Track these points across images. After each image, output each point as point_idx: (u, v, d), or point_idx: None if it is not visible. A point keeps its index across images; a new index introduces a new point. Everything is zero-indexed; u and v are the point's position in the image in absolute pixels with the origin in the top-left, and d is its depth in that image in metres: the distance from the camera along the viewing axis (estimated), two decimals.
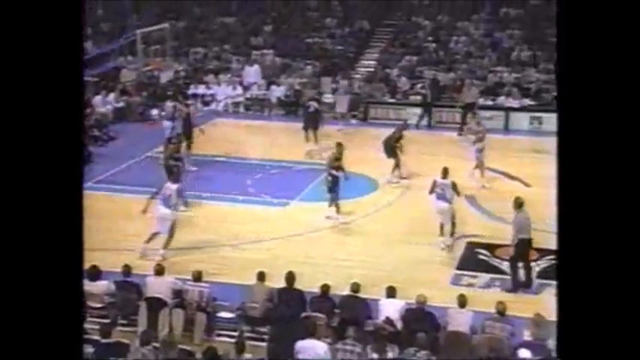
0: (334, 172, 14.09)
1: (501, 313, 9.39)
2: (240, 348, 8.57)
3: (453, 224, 13.10)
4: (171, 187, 12.64)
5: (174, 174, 13.79)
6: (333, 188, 14.09)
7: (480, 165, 16.20)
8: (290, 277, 10.11)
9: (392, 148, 16.53)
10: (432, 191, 13.14)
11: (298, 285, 10.15)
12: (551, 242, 11.50)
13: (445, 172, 13.18)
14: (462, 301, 9.55)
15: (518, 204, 11.81)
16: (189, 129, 17.42)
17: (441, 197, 13.04)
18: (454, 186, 13.00)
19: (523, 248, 11.58)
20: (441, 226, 13.13)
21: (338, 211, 14.22)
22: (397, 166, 16.55)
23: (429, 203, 14.97)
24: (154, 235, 12.50)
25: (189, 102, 19.63)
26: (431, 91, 21.87)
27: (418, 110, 22.01)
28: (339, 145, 14.67)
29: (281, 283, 10.27)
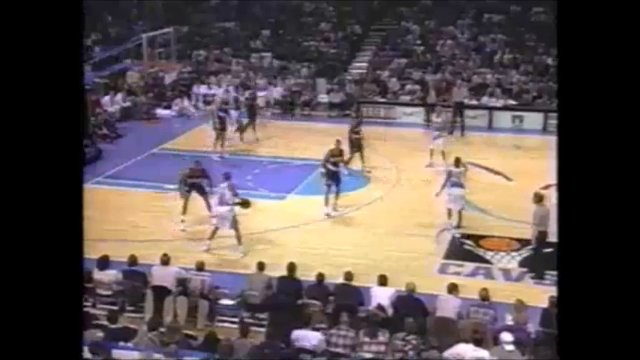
0: (330, 166, 14.04)
1: (484, 299, 9.40)
2: (243, 332, 8.57)
3: (463, 207, 13.34)
4: (222, 184, 12.39)
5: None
6: (329, 182, 14.01)
7: (441, 153, 16.51)
8: (291, 267, 10.09)
9: (352, 139, 16.40)
10: (448, 179, 13.28)
11: (295, 274, 10.14)
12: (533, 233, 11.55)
13: (458, 161, 13.42)
14: (451, 289, 9.53)
15: (538, 198, 11.44)
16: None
17: (456, 184, 13.20)
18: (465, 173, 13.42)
19: (541, 240, 11.27)
20: (449, 211, 13.24)
21: (335, 207, 14.17)
22: (360, 157, 16.52)
23: (417, 197, 15.03)
24: (215, 230, 12.33)
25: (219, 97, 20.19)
26: (436, 92, 21.81)
27: (408, 109, 22.02)
28: (338, 142, 14.60)
29: (279, 272, 10.26)
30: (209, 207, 13.24)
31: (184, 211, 13.44)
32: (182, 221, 13.43)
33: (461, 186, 13.26)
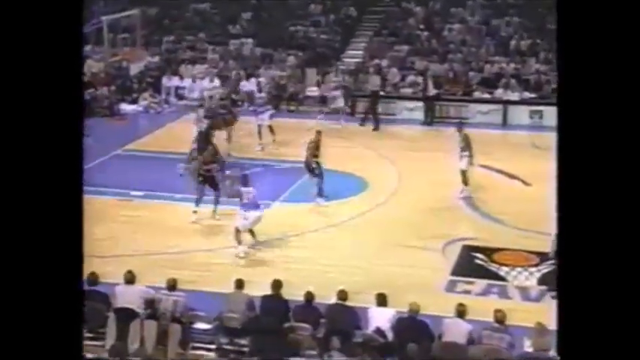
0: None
1: (500, 321, 9.43)
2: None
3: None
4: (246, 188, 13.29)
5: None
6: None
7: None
8: (277, 285, 10.09)
9: (206, 136, 16.73)
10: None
11: (281, 293, 10.16)
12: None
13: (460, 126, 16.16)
14: (461, 311, 9.52)
15: None
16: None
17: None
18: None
19: None
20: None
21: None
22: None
23: (421, 204, 15.09)
24: (238, 232, 13.03)
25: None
26: (435, 84, 22.03)
27: (410, 104, 22.14)
28: (318, 132, 15.77)
29: (261, 291, 10.27)
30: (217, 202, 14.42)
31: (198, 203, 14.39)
32: (194, 212, 14.33)
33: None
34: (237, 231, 13.03)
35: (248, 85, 23.29)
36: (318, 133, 15.73)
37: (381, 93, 22.00)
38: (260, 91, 21.22)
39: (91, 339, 9.97)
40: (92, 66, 24.15)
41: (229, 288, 10.50)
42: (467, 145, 15.59)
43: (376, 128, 20.95)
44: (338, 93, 22.30)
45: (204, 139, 16.49)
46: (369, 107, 21.45)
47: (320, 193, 15.23)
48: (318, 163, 15.31)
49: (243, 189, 13.29)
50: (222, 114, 18.65)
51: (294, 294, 10.29)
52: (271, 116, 19.18)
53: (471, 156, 15.52)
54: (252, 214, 13.10)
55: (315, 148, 15.36)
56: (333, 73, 23.84)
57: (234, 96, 21.72)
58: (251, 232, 13.28)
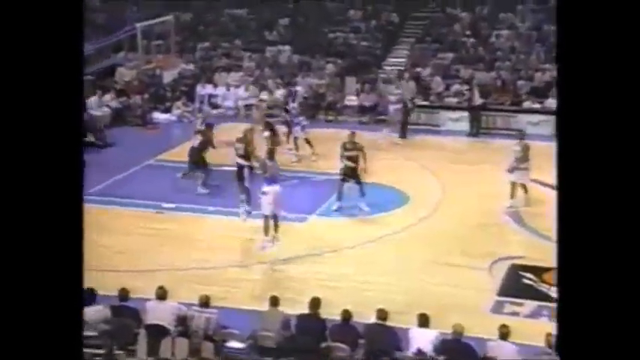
0: (346, 161, 15.37)
1: (551, 346, 9.26)
2: None
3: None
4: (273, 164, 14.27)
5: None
6: (344, 177, 15.42)
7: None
8: (315, 303, 10.04)
9: (199, 152, 16.90)
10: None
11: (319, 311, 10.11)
12: None
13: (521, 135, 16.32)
14: (505, 333, 9.43)
15: None
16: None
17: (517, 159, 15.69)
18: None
19: None
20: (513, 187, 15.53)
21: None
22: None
23: (466, 220, 14.94)
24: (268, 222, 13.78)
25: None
26: (481, 93, 21.84)
27: (454, 114, 21.97)
28: (352, 134, 15.84)
29: (297, 309, 10.23)
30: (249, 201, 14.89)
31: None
32: (245, 213, 14.91)
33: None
34: (266, 218, 13.71)
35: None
36: (351, 134, 15.79)
37: (418, 102, 21.82)
38: (294, 101, 21.13)
39: (122, 356, 10.03)
40: (125, 74, 24.47)
41: (259, 305, 10.48)
42: (525, 157, 15.64)
43: (402, 137, 20.76)
44: (400, 107, 21.73)
45: (197, 155, 16.77)
46: (402, 116, 21.16)
47: (339, 197, 15.50)
48: (345, 166, 15.34)
49: (269, 162, 14.26)
50: (269, 123, 18.66)
51: (330, 312, 10.24)
52: (303, 128, 19.13)
53: (528, 169, 15.60)
54: (272, 189, 13.74)
55: (343, 149, 15.44)
56: (393, 86, 23.42)
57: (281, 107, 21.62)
58: (275, 224, 13.76)
